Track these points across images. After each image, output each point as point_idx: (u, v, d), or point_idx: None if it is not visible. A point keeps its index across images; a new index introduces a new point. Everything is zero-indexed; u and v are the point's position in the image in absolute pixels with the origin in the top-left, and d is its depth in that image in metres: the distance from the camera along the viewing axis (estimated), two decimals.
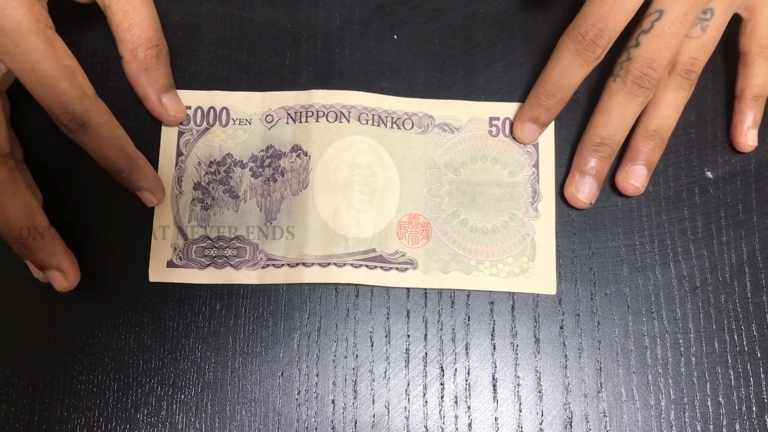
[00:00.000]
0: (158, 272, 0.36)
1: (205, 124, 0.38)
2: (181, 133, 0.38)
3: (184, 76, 0.39)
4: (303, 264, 0.36)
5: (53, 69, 0.31)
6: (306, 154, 0.37)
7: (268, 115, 0.38)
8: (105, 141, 0.33)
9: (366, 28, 0.40)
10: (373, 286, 0.37)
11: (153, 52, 0.35)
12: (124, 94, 0.38)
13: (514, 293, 0.37)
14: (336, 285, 0.37)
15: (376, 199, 0.37)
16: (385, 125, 0.38)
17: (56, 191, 0.37)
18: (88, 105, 0.32)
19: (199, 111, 0.38)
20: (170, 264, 0.36)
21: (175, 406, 0.35)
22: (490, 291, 0.37)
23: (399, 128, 0.38)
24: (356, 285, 0.37)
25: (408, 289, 0.37)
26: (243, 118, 0.38)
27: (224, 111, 0.38)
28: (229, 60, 0.39)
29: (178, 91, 0.38)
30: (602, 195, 0.38)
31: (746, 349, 0.36)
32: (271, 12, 0.40)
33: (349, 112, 0.38)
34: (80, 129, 0.32)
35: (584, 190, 0.36)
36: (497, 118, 0.38)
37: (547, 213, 0.37)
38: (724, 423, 0.35)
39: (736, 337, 0.37)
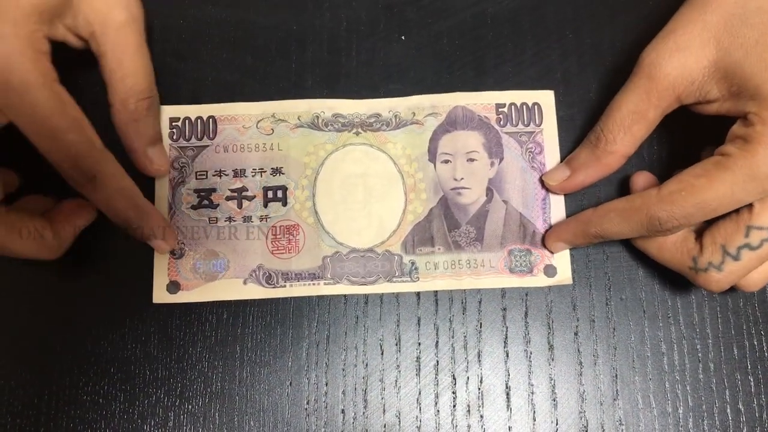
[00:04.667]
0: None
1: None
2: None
3: (188, 81, 0.38)
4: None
5: (62, 122, 0.30)
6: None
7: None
8: (114, 192, 0.32)
9: (373, 29, 0.39)
10: (383, 293, 0.36)
11: (144, 104, 0.34)
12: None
13: (527, 296, 0.36)
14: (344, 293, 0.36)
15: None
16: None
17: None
18: (97, 157, 0.31)
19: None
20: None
21: (182, 416, 0.35)
22: (503, 290, 0.36)
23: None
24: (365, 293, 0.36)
25: (418, 296, 0.36)
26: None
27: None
28: (233, 64, 0.38)
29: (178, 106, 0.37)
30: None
31: (766, 354, 0.35)
32: (275, 15, 0.39)
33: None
34: (89, 182, 0.31)
35: None
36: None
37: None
38: (744, 431, 0.35)
39: (755, 342, 0.36)
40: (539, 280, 0.36)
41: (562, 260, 0.36)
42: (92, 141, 0.31)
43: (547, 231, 0.36)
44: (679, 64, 0.31)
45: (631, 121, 0.33)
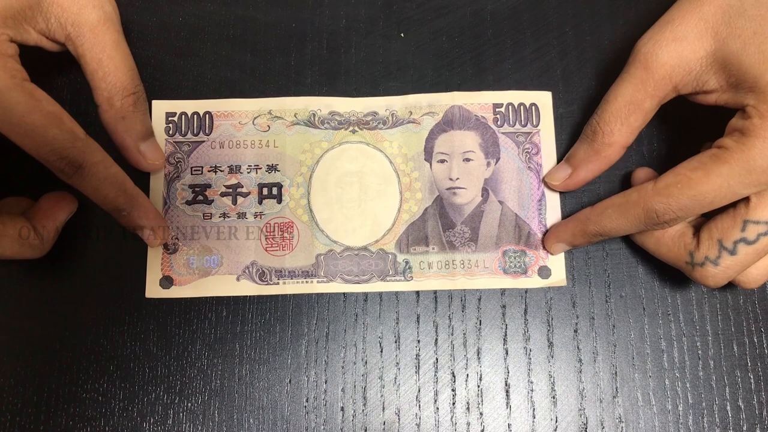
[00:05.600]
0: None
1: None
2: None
3: (187, 78, 0.38)
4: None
5: (39, 119, 0.30)
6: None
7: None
8: (102, 180, 0.32)
9: (372, 27, 0.39)
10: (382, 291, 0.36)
11: (130, 101, 0.34)
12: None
13: (526, 294, 0.36)
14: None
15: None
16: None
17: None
18: (81, 146, 0.31)
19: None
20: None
21: (181, 414, 0.35)
22: (502, 290, 0.36)
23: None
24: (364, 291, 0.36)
25: (417, 293, 0.36)
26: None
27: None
28: (233, 61, 0.38)
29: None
30: None
31: (766, 351, 0.35)
32: (275, 12, 0.39)
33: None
34: (77, 172, 0.31)
35: None
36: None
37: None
38: (744, 428, 0.35)
39: (755, 340, 0.36)
40: (533, 282, 0.36)
41: (557, 261, 0.36)
42: (74, 132, 0.31)
43: (545, 233, 0.36)
44: (675, 54, 0.31)
45: (627, 112, 0.32)
